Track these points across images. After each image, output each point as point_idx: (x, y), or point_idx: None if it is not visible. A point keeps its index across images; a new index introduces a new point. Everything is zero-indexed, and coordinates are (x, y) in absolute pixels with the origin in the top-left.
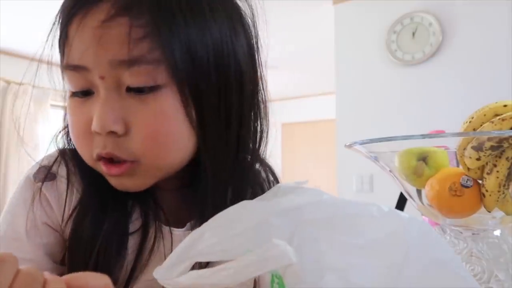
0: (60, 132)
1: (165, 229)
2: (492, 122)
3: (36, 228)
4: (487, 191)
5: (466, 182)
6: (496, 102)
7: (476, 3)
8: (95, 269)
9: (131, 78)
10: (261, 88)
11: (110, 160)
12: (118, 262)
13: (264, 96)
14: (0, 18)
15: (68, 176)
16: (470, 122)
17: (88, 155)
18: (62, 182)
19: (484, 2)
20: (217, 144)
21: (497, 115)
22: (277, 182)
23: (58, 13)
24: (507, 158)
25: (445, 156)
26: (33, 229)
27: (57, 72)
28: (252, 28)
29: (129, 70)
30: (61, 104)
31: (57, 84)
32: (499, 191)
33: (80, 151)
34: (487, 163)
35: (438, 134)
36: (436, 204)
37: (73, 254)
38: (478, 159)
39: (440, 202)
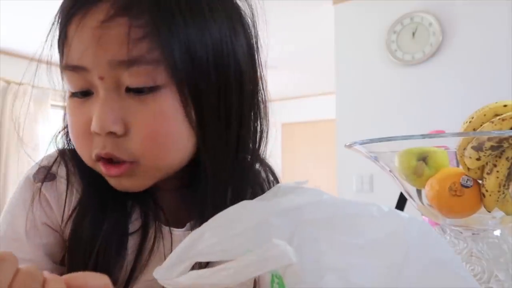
0: (59, 132)
1: (165, 229)
2: (492, 122)
3: (35, 229)
4: (487, 191)
5: (466, 182)
6: (496, 102)
7: (476, 3)
8: (95, 269)
9: (131, 78)
10: (261, 88)
11: (109, 160)
12: (117, 262)
13: (264, 96)
14: (0, 18)
15: (68, 176)
16: (470, 122)
17: (87, 156)
18: (61, 182)
19: (484, 2)
20: (217, 144)
21: (497, 115)
22: (277, 182)
23: (57, 13)
24: (507, 158)
25: (445, 156)
26: (32, 229)
27: (56, 72)
28: (251, 28)
29: (128, 70)
30: (61, 104)
31: (56, 84)
32: (499, 191)
33: (80, 151)
34: (487, 163)
35: (438, 134)
36: (436, 204)
37: (72, 254)
38: (478, 159)
39: (440, 202)
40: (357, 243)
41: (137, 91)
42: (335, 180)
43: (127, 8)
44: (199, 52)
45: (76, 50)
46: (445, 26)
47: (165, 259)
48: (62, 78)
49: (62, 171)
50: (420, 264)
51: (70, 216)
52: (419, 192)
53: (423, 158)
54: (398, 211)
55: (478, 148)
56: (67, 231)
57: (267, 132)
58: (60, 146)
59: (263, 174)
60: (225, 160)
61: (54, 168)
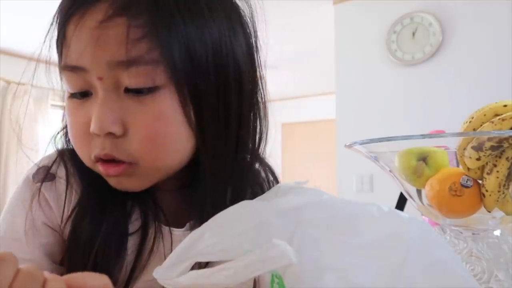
0: (58, 133)
1: (165, 229)
2: (492, 122)
3: (35, 229)
4: (487, 191)
5: (466, 182)
6: (496, 102)
7: (476, 3)
8: (94, 270)
9: (130, 79)
10: (261, 88)
11: (109, 161)
12: (117, 263)
13: (264, 96)
14: (0, 18)
15: (67, 177)
16: (470, 122)
17: (86, 156)
18: (61, 183)
19: (484, 2)
20: (216, 144)
21: (497, 115)
22: (277, 182)
23: (56, 13)
24: (507, 158)
25: (445, 156)
26: (32, 229)
27: (55, 72)
28: (251, 28)
29: (127, 71)
30: (61, 104)
31: (55, 84)
32: (499, 191)
33: (79, 152)
34: (487, 163)
35: (438, 134)
36: (436, 204)
37: (72, 255)
38: (478, 159)
39: (440, 202)
40: (357, 243)
41: (136, 92)
42: (335, 180)
43: (125, 8)
44: (198, 52)
45: (74, 50)
46: (445, 26)
47: (165, 259)
48: (61, 79)
49: (61, 172)
50: (420, 264)
51: (70, 216)
52: (419, 192)
53: (423, 158)
54: (398, 211)
55: (478, 148)
56: (67, 231)
57: (267, 132)
58: (59, 146)
59: (262, 174)
60: (225, 160)
61: (53, 168)
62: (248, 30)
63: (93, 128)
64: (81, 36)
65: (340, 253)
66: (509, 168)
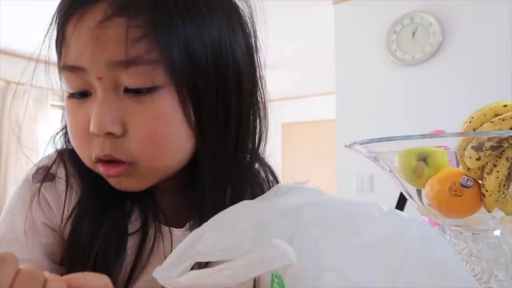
0: (58, 133)
1: (165, 229)
2: (492, 122)
3: (34, 229)
4: (487, 191)
5: (466, 182)
6: (496, 102)
7: (476, 3)
8: (94, 270)
9: (129, 79)
10: (260, 88)
11: (109, 161)
12: (117, 263)
13: (263, 96)
14: (0, 18)
15: (67, 177)
16: (470, 122)
17: (86, 157)
18: (61, 183)
19: (484, 2)
20: (216, 144)
21: (497, 115)
22: (277, 182)
23: (55, 13)
24: (507, 158)
25: (445, 156)
26: (31, 229)
27: (54, 72)
28: (250, 28)
29: (126, 71)
30: (61, 104)
31: (54, 84)
32: (499, 191)
33: (79, 152)
34: (487, 163)
35: (438, 134)
36: (436, 204)
37: (72, 255)
38: (478, 159)
39: (440, 202)
40: (357, 243)
41: (136, 92)
42: (335, 180)
43: (124, 8)
44: (198, 52)
45: (74, 50)
46: (445, 26)
47: (165, 259)
48: (60, 79)
49: (61, 172)
50: (420, 264)
51: (70, 216)
52: (419, 192)
53: (423, 158)
54: (398, 211)
55: (478, 148)
56: (67, 231)
57: (267, 132)
58: (59, 146)
59: (262, 174)
60: (224, 160)
61: (53, 169)
62: (247, 30)
63: (92, 128)
64: (80, 36)
65: (340, 253)
66: (509, 168)
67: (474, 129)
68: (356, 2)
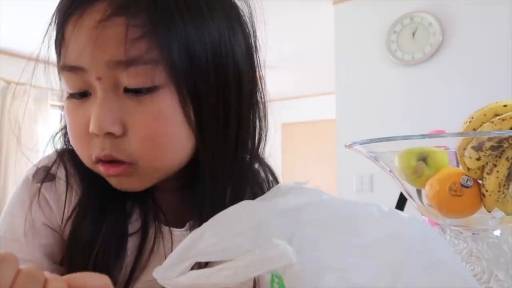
0: (57, 133)
1: (165, 229)
2: (492, 122)
3: (34, 229)
4: (487, 191)
5: (466, 182)
6: (496, 102)
7: (476, 3)
8: (94, 270)
9: (129, 79)
10: (260, 88)
11: (109, 161)
12: (117, 264)
13: (263, 95)
14: (0, 18)
15: (67, 177)
16: (470, 122)
17: (86, 157)
18: (61, 183)
19: (484, 2)
20: (216, 144)
21: (497, 115)
22: (277, 182)
23: (54, 13)
24: (507, 158)
25: (445, 156)
26: (31, 230)
27: (54, 72)
28: (250, 28)
29: (126, 70)
30: (60, 104)
31: (54, 84)
32: (499, 191)
33: (79, 152)
34: (487, 163)
35: (438, 134)
36: (436, 204)
37: (72, 255)
38: (478, 159)
39: (440, 202)
40: (357, 243)
41: (136, 92)
42: (335, 180)
43: (124, 8)
44: (198, 52)
45: (73, 50)
46: (445, 26)
47: (165, 259)
48: (60, 79)
49: (61, 172)
50: (420, 264)
51: (70, 217)
52: (419, 192)
53: (423, 158)
54: (398, 211)
55: (478, 148)
56: (67, 231)
57: (266, 132)
58: (59, 147)
59: (262, 174)
60: (224, 160)
61: (53, 169)
62: (247, 30)
63: (92, 128)
64: (80, 36)
65: (340, 253)
66: (509, 168)
67: (474, 129)
68: (356, 2)
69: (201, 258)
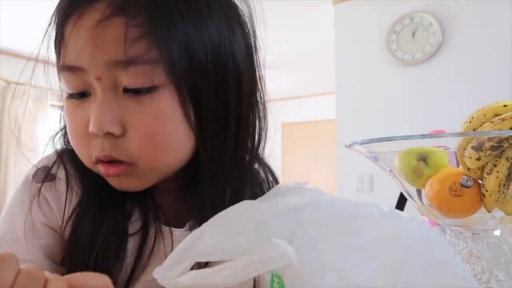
0: (57, 133)
1: (165, 229)
2: (492, 122)
3: (34, 230)
4: (487, 191)
5: (466, 182)
6: (496, 102)
7: (476, 3)
8: (94, 271)
9: (128, 79)
10: (260, 88)
11: (109, 161)
12: (117, 264)
13: (263, 95)
14: (0, 18)
15: (67, 178)
16: (470, 122)
17: (86, 157)
18: (61, 184)
19: (484, 2)
20: (215, 144)
21: (497, 115)
22: (277, 182)
23: (54, 13)
24: (507, 158)
25: (445, 156)
26: (31, 230)
27: (54, 72)
28: (250, 28)
29: (126, 70)
30: (60, 104)
31: (54, 84)
32: (499, 191)
33: (78, 153)
34: (487, 163)
35: (438, 134)
36: (436, 204)
37: (72, 256)
38: (478, 159)
39: (440, 202)
40: (357, 243)
41: (135, 92)
42: (335, 180)
43: (123, 8)
44: (197, 52)
45: (72, 50)
46: (445, 26)
47: (165, 259)
48: (59, 79)
49: (61, 173)
50: (420, 264)
51: (70, 217)
52: (419, 192)
53: (423, 158)
54: (398, 211)
55: (478, 148)
56: (67, 232)
57: (266, 132)
58: (58, 147)
59: (262, 174)
60: (224, 160)
61: (53, 169)
62: (247, 30)
63: (91, 128)
64: (79, 36)
65: (340, 253)
66: (509, 168)
67: (474, 129)
68: (356, 2)
69: (201, 258)
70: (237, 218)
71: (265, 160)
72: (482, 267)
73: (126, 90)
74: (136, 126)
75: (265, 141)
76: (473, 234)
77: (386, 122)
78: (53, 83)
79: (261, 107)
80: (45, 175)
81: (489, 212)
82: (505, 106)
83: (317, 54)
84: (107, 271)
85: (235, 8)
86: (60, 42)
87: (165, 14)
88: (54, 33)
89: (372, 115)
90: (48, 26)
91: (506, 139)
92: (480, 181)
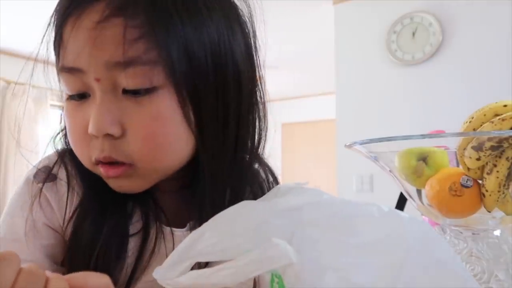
0: (57, 134)
1: (166, 229)
2: (492, 122)
3: (35, 230)
4: (487, 191)
5: (466, 182)
6: (496, 102)
7: (476, 3)
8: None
9: (127, 80)
10: (259, 87)
11: (108, 163)
12: (117, 264)
13: (263, 95)
14: (0, 18)
15: (68, 178)
16: (470, 122)
17: (86, 159)
18: (62, 184)
19: (484, 2)
20: (215, 144)
21: (497, 115)
22: (277, 182)
23: (53, 14)
24: (507, 158)
25: (445, 156)
26: (32, 230)
27: (53, 72)
28: (249, 28)
29: (125, 71)
30: (60, 104)
31: (53, 84)
32: (499, 191)
33: (78, 154)
34: (487, 163)
35: (438, 134)
36: (436, 204)
37: (73, 256)
38: (478, 159)
39: (440, 202)
40: (357, 243)
41: (134, 93)
42: (335, 180)
43: (122, 8)
44: (197, 52)
45: (71, 51)
46: (445, 26)
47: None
48: (59, 80)
49: (62, 173)
50: (420, 264)
51: (71, 217)
52: (419, 192)
53: (423, 158)
54: (398, 211)
55: (478, 148)
56: (69, 232)
57: (266, 132)
58: (59, 147)
59: (262, 174)
60: (224, 160)
61: (54, 170)
62: (246, 30)
63: (91, 129)
64: (78, 37)
65: (340, 253)
66: (509, 168)
67: (474, 129)
68: (356, 2)
69: (201, 258)
70: (237, 218)
71: (265, 160)
72: (482, 267)
73: (125, 91)
74: (136, 127)
75: (265, 141)
76: (473, 234)
77: (386, 122)
78: (53, 83)
79: (261, 107)
80: (46, 175)
81: (489, 212)
82: (505, 106)
83: (317, 54)
84: (108, 272)
85: (234, 8)
86: (59, 44)
87: (164, 14)
88: (53, 34)
89: (372, 115)
90: (47, 27)
91: (506, 139)
92: (480, 181)
